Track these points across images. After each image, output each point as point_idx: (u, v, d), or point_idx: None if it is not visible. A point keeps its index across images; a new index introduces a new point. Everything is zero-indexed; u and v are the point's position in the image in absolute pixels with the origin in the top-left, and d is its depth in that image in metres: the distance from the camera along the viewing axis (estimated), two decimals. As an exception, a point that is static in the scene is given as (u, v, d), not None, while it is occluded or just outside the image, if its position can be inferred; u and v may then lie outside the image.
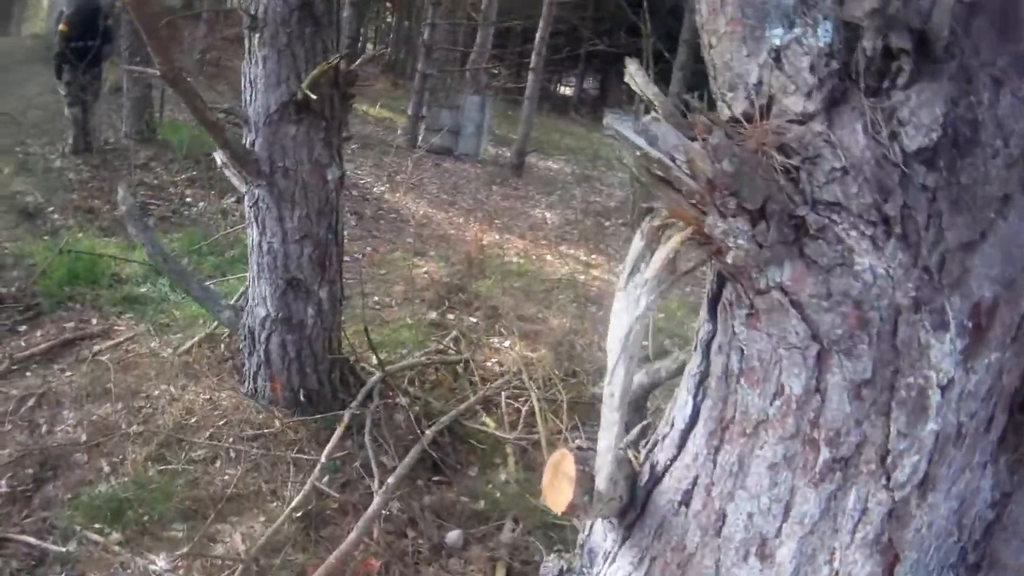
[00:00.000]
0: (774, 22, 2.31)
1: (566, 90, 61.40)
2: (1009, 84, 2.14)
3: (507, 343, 9.66)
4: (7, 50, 27.04)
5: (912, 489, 2.35)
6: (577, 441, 2.99)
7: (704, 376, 2.73)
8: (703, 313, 2.79)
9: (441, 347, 9.23)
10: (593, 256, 15.82)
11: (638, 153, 2.33)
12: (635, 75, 2.67)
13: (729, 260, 2.29)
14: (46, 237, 10.94)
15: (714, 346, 2.69)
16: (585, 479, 2.67)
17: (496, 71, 37.44)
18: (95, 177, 14.10)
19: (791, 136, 2.27)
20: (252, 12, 6.51)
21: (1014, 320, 2.31)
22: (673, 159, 2.29)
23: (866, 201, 2.18)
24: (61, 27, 14.94)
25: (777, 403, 2.44)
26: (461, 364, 8.79)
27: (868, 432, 2.33)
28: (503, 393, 8.21)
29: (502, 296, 11.15)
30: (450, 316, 10.47)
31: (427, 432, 7.03)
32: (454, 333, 9.65)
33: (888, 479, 2.34)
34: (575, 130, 40.40)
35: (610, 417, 2.52)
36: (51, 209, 12.22)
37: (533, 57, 24.11)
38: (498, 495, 6.86)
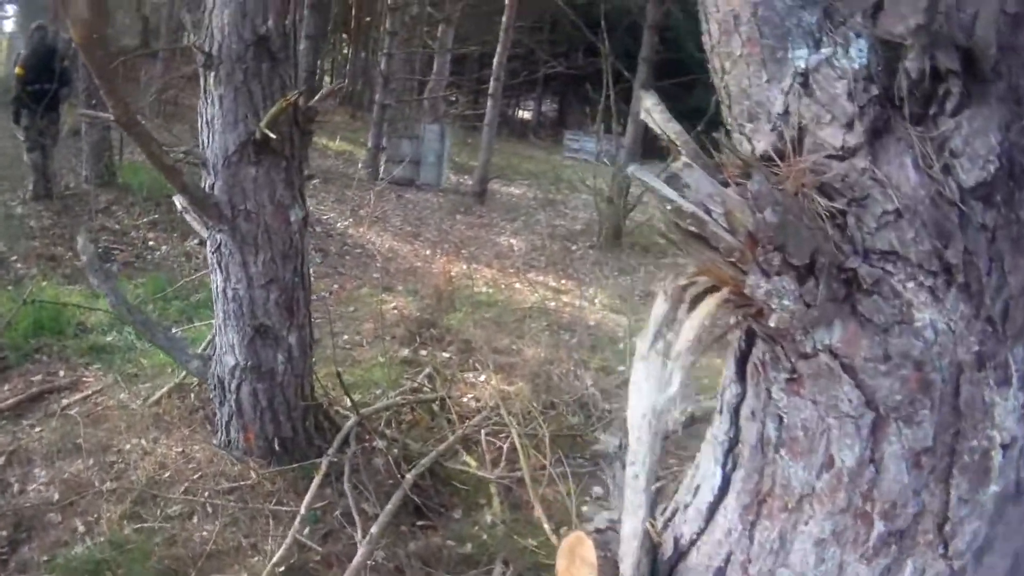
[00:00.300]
0: (797, 41, 2.12)
1: (524, 114, 61.67)
2: None
3: (483, 377, 9.49)
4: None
5: (970, 555, 2.17)
6: (595, 518, 2.82)
7: (733, 443, 2.52)
8: (728, 373, 2.56)
9: (416, 385, 9.05)
10: (562, 281, 15.74)
11: (669, 207, 2.16)
12: (652, 111, 2.44)
13: (773, 323, 2.08)
14: (9, 287, 10.76)
15: (744, 411, 2.48)
16: (608, 565, 2.48)
17: (454, 99, 37.49)
18: (56, 224, 13.94)
19: (832, 175, 2.05)
20: (207, 50, 6.35)
21: None
22: (708, 211, 2.12)
23: (924, 248, 1.97)
24: (17, 70, 14.93)
25: (826, 476, 2.24)
26: (437, 402, 8.60)
27: (927, 501, 2.14)
28: (482, 430, 8.02)
29: (474, 329, 11.01)
30: (423, 352, 10.31)
31: (408, 476, 6.82)
32: (428, 370, 9.48)
33: (946, 548, 2.16)
34: (535, 154, 40.63)
35: (635, 500, 2.34)
36: (14, 258, 12.07)
37: (491, 83, 24.15)
38: (485, 537, 6.68)
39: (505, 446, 7.75)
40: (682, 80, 18.01)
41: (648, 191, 2.21)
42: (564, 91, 55.69)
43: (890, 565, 2.21)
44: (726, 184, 2.13)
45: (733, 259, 2.10)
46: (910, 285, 2.03)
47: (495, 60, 24.17)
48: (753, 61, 2.23)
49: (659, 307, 2.31)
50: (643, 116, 2.48)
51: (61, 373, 8.53)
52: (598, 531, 2.63)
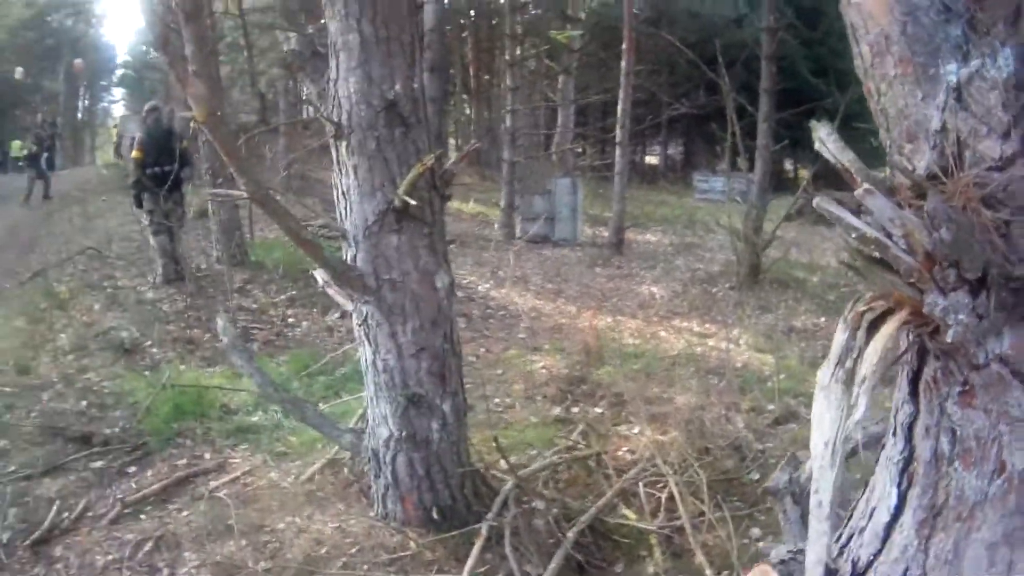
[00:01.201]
0: (947, 57, 2.07)
1: (651, 159, 61.59)
2: None
3: (636, 429, 9.38)
4: (83, 180, 27.56)
5: None
6: (772, 552, 2.76)
7: (908, 462, 2.50)
8: (900, 394, 2.53)
9: (570, 443, 8.96)
10: (706, 325, 15.58)
11: (854, 235, 2.11)
12: (827, 141, 2.41)
13: (949, 339, 2.05)
14: (147, 372, 10.96)
15: (918, 429, 2.45)
16: (794, 595, 2.47)
17: (581, 150, 37.58)
18: (190, 306, 14.21)
19: (995, 186, 2.00)
20: (336, 120, 6.41)
21: None
22: (889, 235, 2.07)
23: None
24: (135, 154, 15.22)
25: (997, 482, 2.22)
26: (593, 458, 8.50)
27: None
28: (639, 482, 7.90)
29: (623, 381, 10.88)
30: (574, 409, 10.25)
31: (568, 534, 6.77)
32: (581, 427, 9.39)
33: None
34: (666, 198, 40.47)
35: (819, 528, 2.29)
36: (148, 343, 12.29)
37: (617, 130, 24.10)
38: (648, 588, 6.58)
39: (663, 496, 7.64)
40: (804, 109, 17.84)
41: (834, 221, 2.16)
42: (688, 132, 55.56)
43: None
44: (901, 207, 2.08)
45: (912, 280, 2.09)
46: (1077, 291, 1.97)
47: (619, 107, 24.12)
48: (907, 80, 2.20)
49: (839, 335, 2.28)
50: (817, 146, 2.45)
51: (207, 456, 8.61)
52: (781, 562, 2.59)
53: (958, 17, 2.06)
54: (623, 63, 23.87)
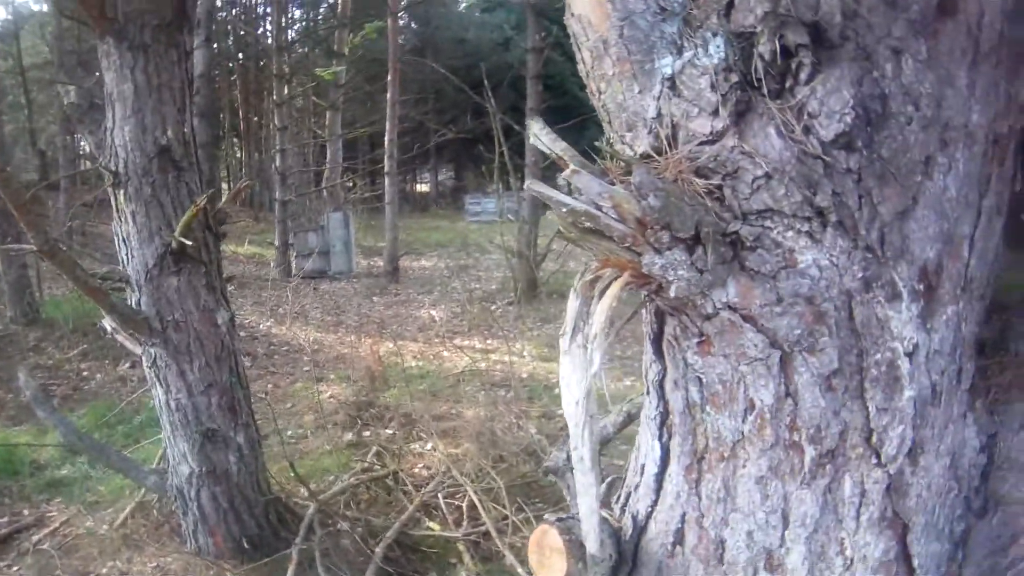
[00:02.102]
0: (662, 52, 2.32)
1: (423, 187, 61.78)
2: (908, 50, 2.16)
3: (429, 445, 9.57)
4: None
5: (903, 459, 2.37)
6: (547, 514, 2.98)
7: (665, 415, 2.71)
8: (648, 355, 2.75)
9: (366, 465, 9.10)
10: (488, 341, 15.83)
11: (564, 210, 2.34)
12: (540, 134, 2.63)
13: (672, 293, 2.27)
14: (-43, 436, 10.73)
15: (668, 384, 2.67)
16: (574, 547, 2.65)
17: (352, 184, 37.58)
18: (-9, 367, 13.84)
19: (706, 157, 2.26)
20: (113, 168, 6.45)
21: (960, 272, 2.35)
22: (599, 208, 2.30)
23: (795, 199, 2.19)
24: None
25: (751, 418, 2.43)
26: (390, 477, 8.64)
27: (848, 419, 2.34)
28: (439, 494, 8.10)
29: (411, 401, 11.03)
30: (366, 433, 10.38)
31: (377, 550, 6.92)
32: (375, 449, 9.53)
33: (878, 456, 2.36)
34: (440, 223, 40.69)
35: (585, 480, 2.49)
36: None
37: (386, 161, 24.26)
38: (462, 593, 6.78)
39: (464, 505, 7.84)
40: (573, 123, 18.15)
41: (544, 200, 2.38)
42: (458, 157, 55.97)
43: (830, 484, 2.40)
44: (612, 184, 2.31)
45: (627, 244, 2.30)
46: (788, 234, 2.25)
47: (386, 138, 24.29)
48: (625, 77, 2.43)
49: (571, 304, 2.48)
50: (532, 140, 2.66)
51: (25, 512, 8.48)
52: (559, 519, 2.77)
53: (674, 15, 2.31)
54: (388, 94, 24.07)
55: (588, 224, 2.32)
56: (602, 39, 2.46)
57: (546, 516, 2.91)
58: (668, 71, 2.32)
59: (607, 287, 2.41)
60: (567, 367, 2.47)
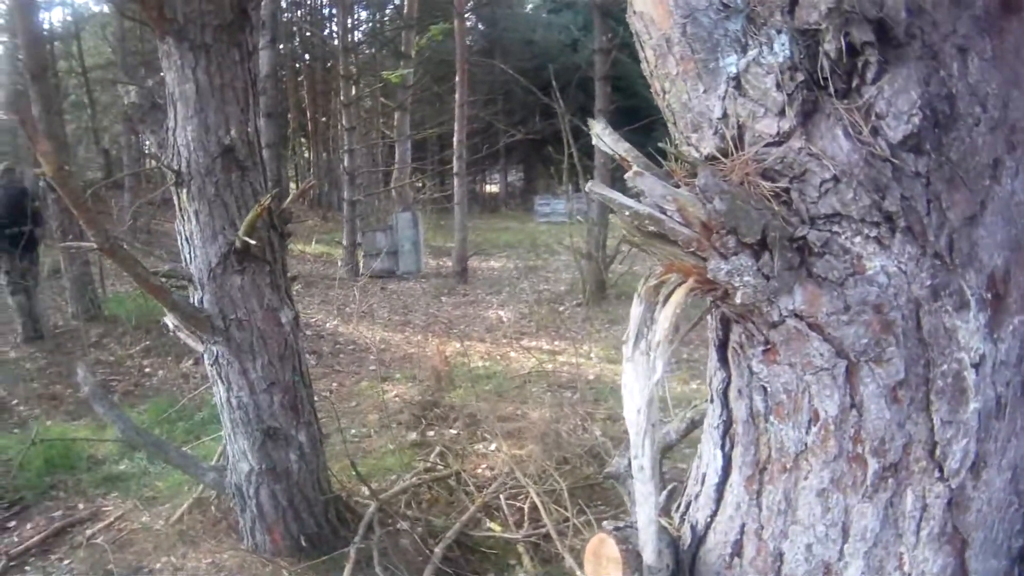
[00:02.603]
0: (726, 50, 2.26)
1: (492, 187, 61.83)
2: (974, 48, 2.09)
3: (493, 446, 9.55)
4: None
5: (966, 473, 2.30)
6: (608, 523, 2.93)
7: (728, 425, 2.66)
8: (712, 363, 2.71)
9: (429, 465, 9.09)
10: (556, 343, 15.77)
11: (627, 213, 2.29)
12: (603, 135, 2.59)
13: (738, 300, 2.22)
14: (16, 430, 10.82)
15: (732, 392, 2.63)
16: (631, 557, 2.60)
17: (421, 184, 37.65)
18: (52, 363, 14.00)
19: (772, 159, 2.20)
20: (176, 168, 6.48)
21: None
22: (663, 211, 2.25)
23: (864, 203, 2.13)
24: None
25: (814, 429, 2.38)
26: (453, 477, 8.62)
27: (912, 431, 2.27)
28: (501, 495, 8.05)
29: (476, 402, 11.02)
30: (430, 433, 10.35)
31: (436, 550, 6.90)
32: (438, 449, 9.51)
33: (941, 470, 2.29)
34: (509, 224, 40.69)
35: (644, 489, 2.45)
36: (15, 401, 12.11)
37: (455, 162, 24.27)
38: (521, 593, 6.75)
39: (526, 506, 7.80)
40: (641, 125, 18.02)
41: (607, 203, 2.34)
42: (527, 158, 55.95)
43: (891, 498, 2.33)
44: (677, 187, 2.26)
45: (692, 249, 2.25)
46: (857, 240, 2.18)
47: (455, 138, 24.32)
48: (689, 76, 2.37)
49: (635, 309, 2.44)
50: (595, 141, 2.62)
51: (80, 506, 8.52)
52: (617, 529, 2.72)
53: (737, 12, 2.26)
54: (457, 95, 24.10)
55: (652, 228, 2.27)
56: (665, 37, 2.41)
57: (604, 524, 2.87)
58: (733, 70, 2.26)
59: (671, 293, 2.37)
60: (630, 374, 2.43)
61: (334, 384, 13.26)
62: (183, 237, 6.72)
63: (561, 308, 19.14)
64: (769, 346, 2.39)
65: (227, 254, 6.54)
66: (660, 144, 2.47)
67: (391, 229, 25.45)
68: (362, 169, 30.08)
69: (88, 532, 7.85)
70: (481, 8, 40.45)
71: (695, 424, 3.74)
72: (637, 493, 2.49)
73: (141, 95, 6.77)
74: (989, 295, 2.22)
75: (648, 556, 2.54)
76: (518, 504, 7.92)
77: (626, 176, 2.35)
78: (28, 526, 8.13)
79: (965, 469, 2.30)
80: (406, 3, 32.12)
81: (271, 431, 6.85)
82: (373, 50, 39.61)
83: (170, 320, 6.84)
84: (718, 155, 2.33)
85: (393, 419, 10.77)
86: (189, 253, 6.70)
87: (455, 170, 24.45)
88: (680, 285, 2.34)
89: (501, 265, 27.35)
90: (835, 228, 2.19)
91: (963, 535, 2.34)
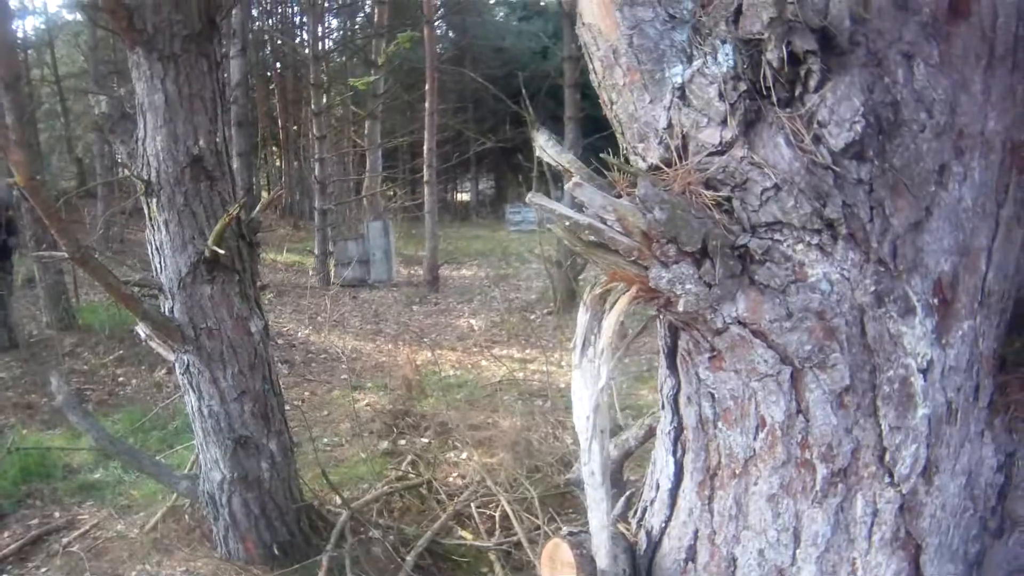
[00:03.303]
0: (672, 60, 2.31)
1: (463, 196, 61.79)
2: (920, 54, 2.13)
3: (464, 455, 9.58)
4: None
5: (917, 478, 2.34)
6: (563, 529, 2.96)
7: (679, 431, 2.70)
8: (662, 370, 2.75)
9: (401, 473, 9.09)
10: (527, 351, 15.79)
11: (567, 223, 2.32)
12: (546, 146, 2.65)
13: (680, 308, 2.26)
14: (-10, 439, 10.82)
15: (682, 399, 2.66)
16: (585, 562, 2.63)
17: (392, 193, 37.59)
18: (26, 372, 13.95)
19: (714, 169, 2.24)
20: (145, 177, 6.48)
21: (977, 285, 2.32)
22: (604, 221, 2.28)
23: (805, 211, 2.17)
24: None
25: (762, 435, 2.42)
26: (424, 486, 8.63)
27: (860, 436, 2.31)
28: (472, 504, 8.07)
29: (447, 411, 11.07)
30: (401, 442, 10.35)
31: (408, 558, 6.92)
32: (409, 457, 9.53)
33: (891, 475, 2.33)
34: (480, 233, 40.65)
35: (595, 495, 2.49)
36: (-10, 410, 12.08)
37: (425, 170, 24.23)
38: (492, 602, 6.76)
39: (497, 514, 7.83)
40: (609, 132, 17.97)
41: (547, 214, 2.37)
42: (498, 166, 55.89)
43: (842, 503, 2.38)
44: (619, 197, 2.29)
45: (634, 258, 2.29)
46: (798, 247, 2.23)
47: (425, 147, 24.31)
48: (635, 87, 2.42)
49: (582, 317, 2.47)
50: (538, 152, 2.67)
51: (56, 514, 8.53)
52: (571, 534, 2.75)
53: (683, 23, 2.30)
54: (427, 103, 24.11)
55: (592, 238, 2.31)
56: (612, 48, 2.45)
57: (559, 530, 2.90)
58: (678, 80, 2.31)
59: (616, 301, 2.40)
60: (579, 381, 2.47)
61: (306, 393, 13.27)
62: (153, 247, 6.74)
63: (532, 317, 19.17)
64: (715, 353, 2.43)
65: (196, 263, 6.56)
66: (602, 155, 2.50)
67: (362, 238, 25.45)
68: (333, 178, 30.06)
69: (64, 540, 7.88)
70: (451, 16, 40.43)
71: (654, 431, 3.76)
72: (589, 499, 2.53)
73: (111, 105, 6.79)
74: (936, 300, 2.26)
75: (602, 561, 2.58)
76: (489, 512, 7.95)
77: (566, 187, 2.38)
78: (4, 534, 8.15)
79: (916, 474, 2.33)
80: (376, 11, 32.03)
81: (242, 440, 6.88)
82: (344, 59, 39.58)
83: (142, 329, 6.85)
84: (662, 165, 2.37)
85: (365, 428, 10.78)
86: (159, 263, 6.71)
87: (425, 178, 24.42)
88: (624, 294, 2.37)
89: (472, 273, 27.35)
90: (776, 236, 2.23)
91: (917, 540, 2.38)
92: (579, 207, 2.39)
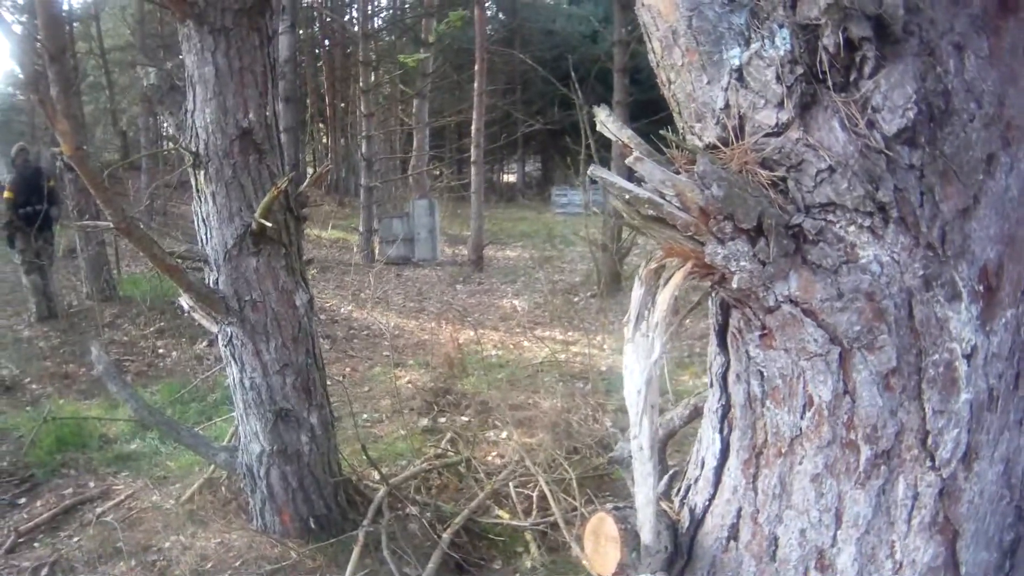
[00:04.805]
0: (730, 43, 2.32)
1: (509, 177, 61.68)
2: (970, 46, 2.14)
3: (503, 434, 9.60)
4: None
5: (957, 463, 2.33)
6: (608, 504, 2.97)
7: (726, 409, 2.71)
8: (712, 347, 2.75)
9: (440, 451, 9.12)
10: (569, 334, 15.73)
11: (627, 196, 2.33)
12: (607, 122, 2.64)
13: (734, 285, 2.27)
14: (28, 408, 10.89)
15: (731, 377, 2.67)
16: (629, 536, 2.64)
17: (438, 172, 37.56)
18: (65, 342, 14.08)
19: (771, 149, 2.25)
20: (194, 149, 6.51)
21: (1020, 274, 2.31)
22: (662, 196, 2.30)
23: (858, 193, 2.17)
24: (5, 194, 14.91)
25: (808, 414, 2.42)
26: (463, 464, 8.64)
27: (904, 419, 2.31)
28: (510, 483, 8.07)
29: (488, 390, 11.08)
30: (441, 419, 10.39)
31: (444, 535, 6.94)
32: (449, 435, 9.55)
33: (933, 459, 2.32)
34: (525, 214, 40.55)
35: (643, 469, 2.49)
36: (27, 379, 12.17)
37: (472, 151, 24.23)
38: (527, 582, 6.77)
39: (535, 495, 7.82)
40: (659, 118, 17.84)
41: (607, 187, 2.37)
42: (545, 149, 55.69)
43: (883, 486, 2.37)
44: (677, 173, 2.30)
45: (690, 233, 2.29)
46: (851, 228, 2.24)
47: (473, 127, 24.32)
48: (694, 68, 2.43)
49: (636, 292, 2.48)
50: (599, 128, 2.66)
51: (91, 484, 8.57)
52: (616, 508, 2.76)
53: (741, 7, 2.31)
54: (476, 84, 24.09)
55: (651, 212, 2.31)
56: (671, 29, 2.46)
57: (596, 511, 2.90)
58: (736, 62, 2.32)
59: (671, 276, 2.40)
60: (631, 356, 2.48)
61: (347, 369, 13.29)
62: (199, 218, 6.77)
63: (576, 299, 19.10)
64: (766, 331, 2.43)
65: (243, 236, 6.59)
66: (662, 131, 2.51)
67: (408, 216, 25.48)
68: (380, 156, 30.07)
69: (98, 510, 7.90)
70: (502, -3, 40.43)
71: (699, 411, 3.76)
72: (636, 473, 2.53)
73: (160, 77, 6.81)
74: (981, 287, 2.26)
75: (645, 536, 2.59)
76: (526, 492, 7.93)
77: (626, 161, 2.38)
78: (38, 503, 8.19)
79: (956, 459, 2.33)
80: (426, -10, 31.99)
81: (283, 413, 6.90)
82: (393, 37, 39.56)
83: (185, 301, 6.88)
84: (719, 144, 2.38)
85: (405, 405, 10.80)
86: (205, 234, 6.75)
87: (472, 158, 24.44)
88: (679, 269, 2.38)
89: (517, 255, 27.28)
90: (830, 217, 2.24)
91: (954, 525, 2.37)
92: (637, 182, 2.39)
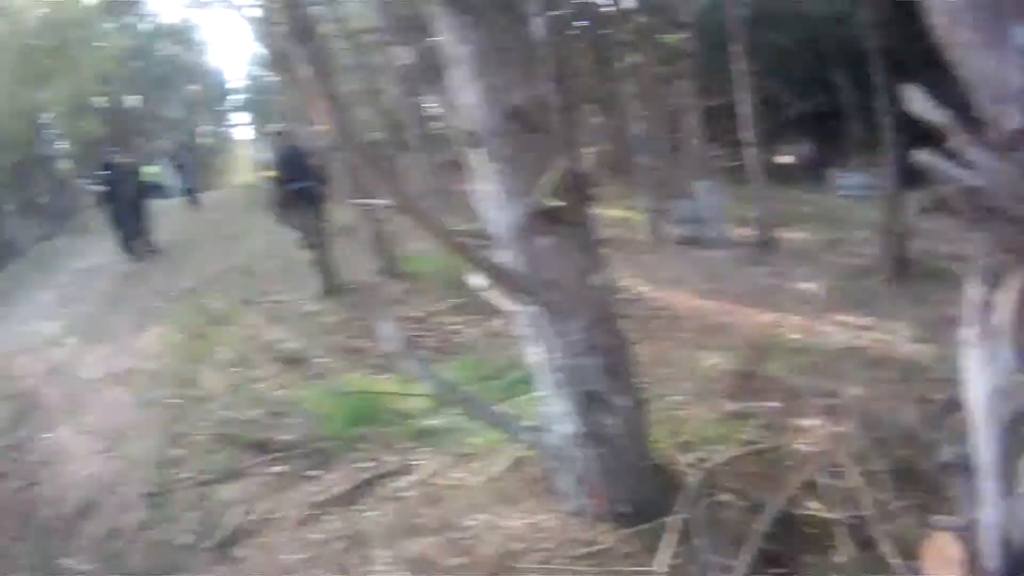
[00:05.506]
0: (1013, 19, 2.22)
1: (785, 159, 60.89)
2: None
3: (812, 422, 9.46)
4: (222, 202, 28.04)
5: None
6: (944, 519, 2.86)
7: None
8: None
9: (749, 437, 9.04)
10: (864, 319, 15.41)
11: (958, 186, 2.24)
12: (919, 103, 2.55)
13: None
14: (315, 381, 11.17)
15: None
16: (968, 558, 2.55)
17: (715, 153, 37.25)
18: (351, 317, 14.52)
19: None
20: (470, 128, 6.59)
21: None
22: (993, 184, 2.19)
23: None
24: (273, 173, 15.78)
25: None
26: (772, 451, 8.56)
27: None
28: (820, 473, 7.93)
29: (793, 375, 10.99)
30: (748, 404, 10.26)
31: (758, 526, 6.89)
32: (760, 421, 9.47)
33: None
34: (805, 196, 39.89)
35: (986, 487, 2.41)
36: (314, 354, 12.54)
37: (746, 132, 23.96)
38: (839, 578, 6.62)
39: (844, 486, 7.68)
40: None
41: (938, 176, 2.27)
42: (817, 130, 54.75)
43: None
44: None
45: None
46: None
47: (744, 109, 24.16)
48: (982, 46, 2.30)
49: (971, 292, 2.35)
50: (907, 105, 2.55)
51: (387, 459, 8.79)
52: (961, 529, 2.65)
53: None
54: (738, 66, 23.84)
55: (985, 203, 2.20)
56: (956, 7, 2.35)
57: (937, 519, 2.80)
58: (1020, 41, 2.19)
59: (1010, 276, 2.29)
60: (972, 360, 2.37)
61: (647, 350, 13.26)
62: (482, 198, 6.84)
63: (867, 283, 18.68)
64: None
65: (533, 215, 6.59)
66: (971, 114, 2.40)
67: (693, 197, 25.35)
68: (656, 136, 29.94)
69: (394, 485, 8.10)
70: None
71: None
72: (983, 491, 2.42)
73: (423, 58, 6.86)
74: None
75: (989, 561, 2.47)
76: (836, 483, 7.79)
77: (954, 143, 2.29)
78: (330, 477, 8.40)
79: None
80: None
81: (592, 395, 6.91)
82: (649, 18, 39.39)
83: (474, 279, 7.00)
84: None
85: (709, 388, 10.78)
86: (491, 214, 6.81)
87: (747, 140, 24.13)
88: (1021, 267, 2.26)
89: (803, 237, 26.78)
90: None
91: None
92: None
